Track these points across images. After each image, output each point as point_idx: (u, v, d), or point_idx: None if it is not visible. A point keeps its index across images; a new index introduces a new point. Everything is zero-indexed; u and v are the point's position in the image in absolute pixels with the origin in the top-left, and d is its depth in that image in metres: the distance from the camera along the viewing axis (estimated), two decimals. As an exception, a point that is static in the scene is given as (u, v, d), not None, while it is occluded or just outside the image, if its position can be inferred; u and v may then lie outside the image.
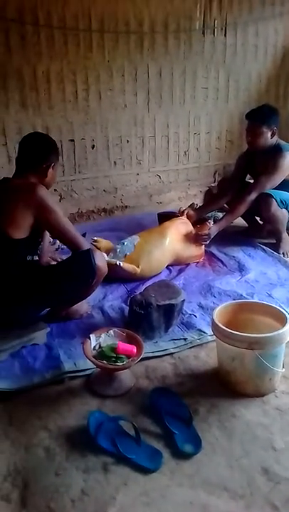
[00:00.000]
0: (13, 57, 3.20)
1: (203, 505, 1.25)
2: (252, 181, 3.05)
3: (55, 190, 3.62)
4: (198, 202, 3.97)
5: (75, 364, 1.84)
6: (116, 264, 2.45)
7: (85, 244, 1.97)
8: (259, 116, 2.83)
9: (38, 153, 1.99)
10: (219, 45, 3.90)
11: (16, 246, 1.88)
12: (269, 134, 2.83)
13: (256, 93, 4.21)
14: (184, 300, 2.12)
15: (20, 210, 1.85)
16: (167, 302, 2.03)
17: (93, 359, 1.68)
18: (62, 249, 2.63)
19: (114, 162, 3.83)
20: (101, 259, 1.97)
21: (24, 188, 1.89)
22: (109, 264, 2.37)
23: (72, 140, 3.60)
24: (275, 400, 1.66)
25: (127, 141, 3.82)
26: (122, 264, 2.47)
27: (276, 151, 2.85)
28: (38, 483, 1.33)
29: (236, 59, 4.02)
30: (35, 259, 2.04)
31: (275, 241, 3.02)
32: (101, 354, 1.70)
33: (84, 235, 2.70)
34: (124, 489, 1.31)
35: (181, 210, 3.04)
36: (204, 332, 2.05)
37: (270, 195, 2.80)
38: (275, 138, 2.88)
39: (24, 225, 1.87)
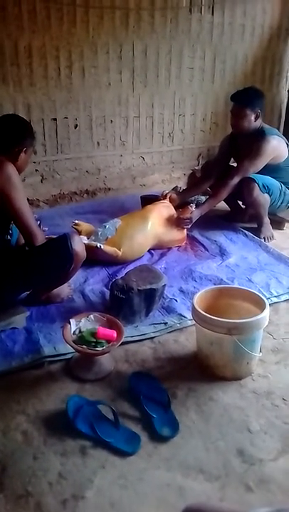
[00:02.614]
0: (-8, 30, 3.09)
1: (179, 487, 1.28)
2: (235, 165, 3.04)
3: (36, 170, 3.56)
4: (182, 185, 3.95)
5: (54, 348, 1.83)
6: (97, 246, 2.43)
7: (39, 236, 1.91)
8: (243, 99, 2.80)
9: (12, 135, 1.93)
10: (206, 24, 3.82)
11: None
12: (253, 117, 2.80)
13: (242, 74, 4.16)
14: (165, 285, 2.13)
15: None
16: (148, 287, 2.03)
17: (73, 344, 1.68)
18: (44, 230, 2.58)
19: (98, 142, 3.76)
20: (79, 244, 1.94)
21: None
22: (90, 247, 2.36)
23: (55, 119, 3.51)
24: (251, 384, 1.69)
25: (111, 121, 3.74)
26: (102, 247, 2.45)
27: (260, 134, 2.83)
28: (16, 467, 1.34)
29: (223, 39, 3.94)
30: (6, 238, 2.00)
31: (256, 226, 3.03)
32: (81, 339, 1.70)
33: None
34: (102, 472, 1.33)
35: (164, 193, 3.02)
36: (184, 316, 2.07)
37: (252, 180, 2.80)
38: (259, 121, 2.86)
39: None
